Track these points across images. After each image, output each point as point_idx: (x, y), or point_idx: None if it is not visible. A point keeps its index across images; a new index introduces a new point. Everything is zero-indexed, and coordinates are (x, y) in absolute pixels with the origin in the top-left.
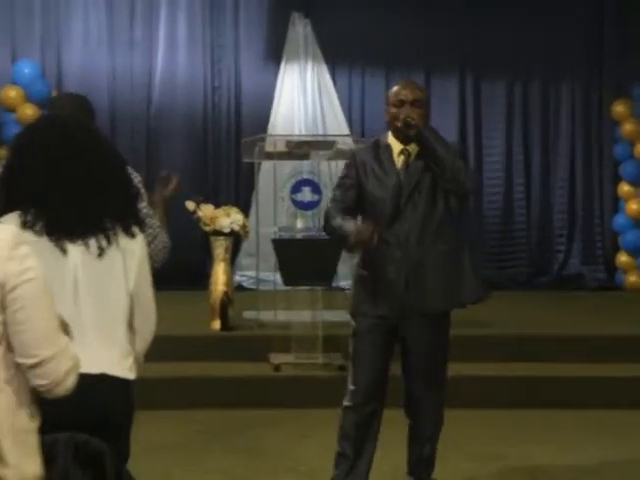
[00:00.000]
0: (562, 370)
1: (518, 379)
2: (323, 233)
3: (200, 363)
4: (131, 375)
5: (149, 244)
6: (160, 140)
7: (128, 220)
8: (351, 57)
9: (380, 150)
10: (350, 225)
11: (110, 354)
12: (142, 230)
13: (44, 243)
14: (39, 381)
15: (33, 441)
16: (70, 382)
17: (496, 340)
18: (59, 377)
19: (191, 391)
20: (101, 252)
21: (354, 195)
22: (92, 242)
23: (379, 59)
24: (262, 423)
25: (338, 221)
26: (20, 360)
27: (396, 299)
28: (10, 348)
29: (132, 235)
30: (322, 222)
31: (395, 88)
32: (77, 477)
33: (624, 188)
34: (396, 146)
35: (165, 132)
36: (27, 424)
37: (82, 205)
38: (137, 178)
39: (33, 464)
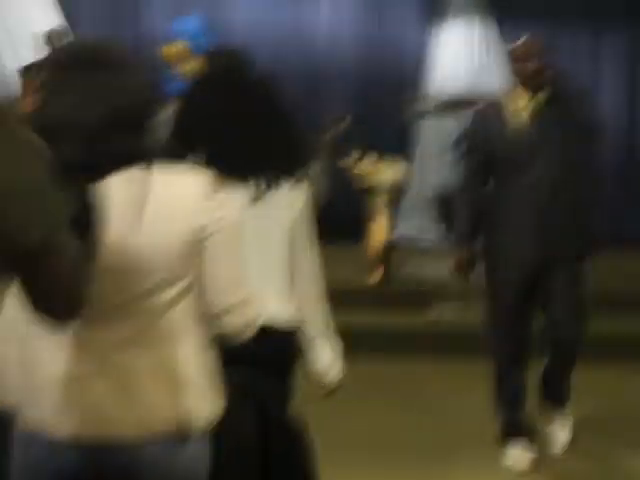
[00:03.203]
0: None
1: None
2: None
3: (359, 316)
4: (290, 322)
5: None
6: (322, 95)
7: (292, 168)
8: (518, 11)
9: (503, 107)
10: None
11: (270, 302)
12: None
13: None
14: (219, 330)
15: (216, 382)
16: (248, 333)
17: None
18: (239, 328)
19: (349, 343)
20: (259, 195)
21: (482, 157)
22: (253, 184)
23: (546, 13)
24: (421, 377)
25: (459, 221)
26: (204, 307)
27: (529, 243)
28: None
29: (295, 184)
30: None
31: (518, 42)
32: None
33: None
34: (524, 97)
35: (327, 87)
36: (212, 365)
37: (253, 144)
38: None
39: (219, 403)
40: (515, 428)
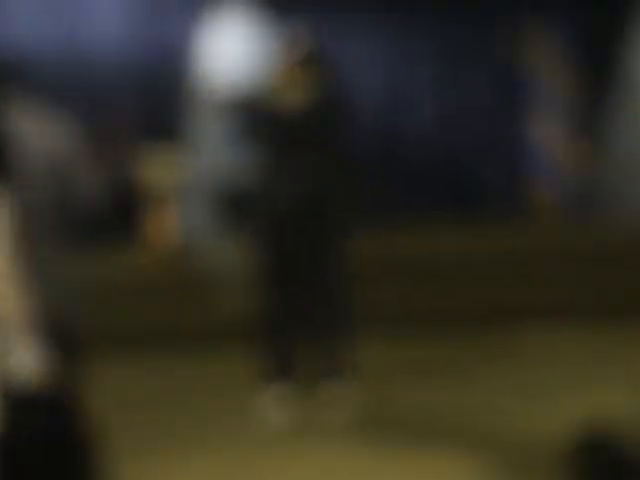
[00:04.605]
0: None
1: None
2: None
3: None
4: None
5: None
6: (100, 99)
7: None
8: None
9: (275, 102)
10: None
11: None
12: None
13: None
14: None
15: None
16: None
17: None
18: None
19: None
20: None
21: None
22: None
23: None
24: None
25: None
26: None
27: (292, 227)
28: None
29: None
30: None
31: (287, 44)
32: None
33: None
34: (293, 93)
35: (104, 92)
36: None
37: None
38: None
39: None
40: (279, 375)
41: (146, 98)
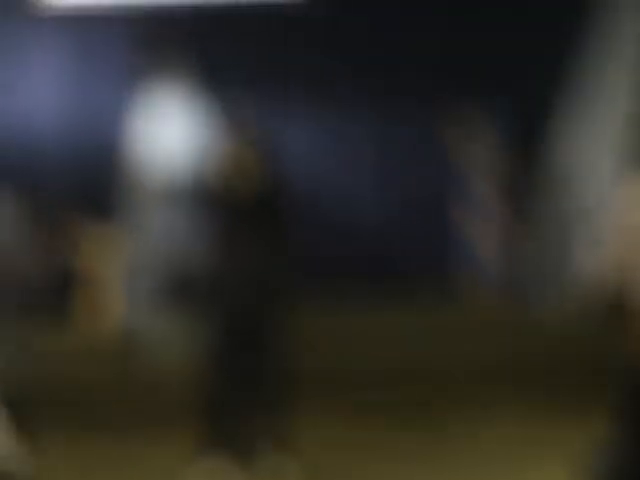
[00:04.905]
0: None
1: None
2: None
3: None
4: None
5: None
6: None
7: None
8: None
9: (218, 185)
10: None
11: None
12: None
13: None
14: None
15: None
16: None
17: None
18: None
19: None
20: None
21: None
22: None
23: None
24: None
25: None
26: None
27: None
28: None
29: None
30: None
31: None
32: None
33: None
34: (233, 177)
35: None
36: None
37: None
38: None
39: None
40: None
41: (84, 180)
